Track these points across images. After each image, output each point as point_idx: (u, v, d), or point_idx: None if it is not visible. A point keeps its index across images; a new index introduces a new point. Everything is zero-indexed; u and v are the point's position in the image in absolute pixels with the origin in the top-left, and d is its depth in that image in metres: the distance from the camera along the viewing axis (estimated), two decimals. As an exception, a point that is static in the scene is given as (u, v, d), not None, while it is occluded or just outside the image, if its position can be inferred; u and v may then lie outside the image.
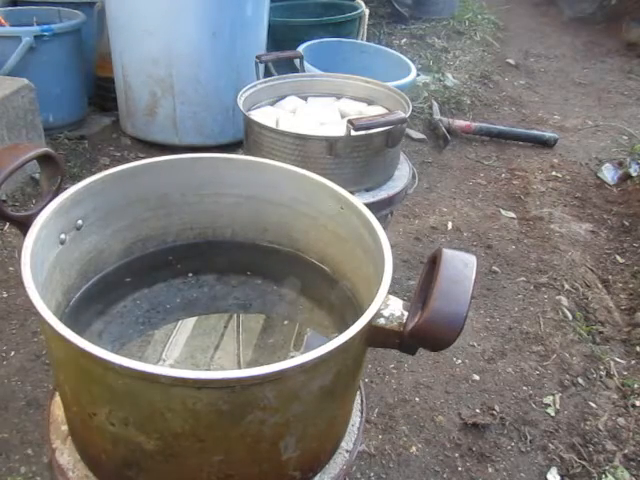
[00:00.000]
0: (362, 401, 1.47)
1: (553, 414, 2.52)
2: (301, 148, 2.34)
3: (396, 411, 2.48)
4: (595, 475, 2.30)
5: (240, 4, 3.80)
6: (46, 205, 1.29)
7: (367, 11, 5.31)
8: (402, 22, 7.13)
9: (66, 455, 1.29)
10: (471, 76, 5.98)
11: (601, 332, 3.01)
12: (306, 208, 1.56)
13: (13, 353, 2.56)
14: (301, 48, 4.03)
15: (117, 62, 4.05)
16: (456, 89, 5.60)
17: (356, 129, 2.24)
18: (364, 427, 1.45)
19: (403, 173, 2.67)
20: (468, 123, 4.94)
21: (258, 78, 2.84)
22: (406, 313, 1.12)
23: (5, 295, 2.83)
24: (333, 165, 2.35)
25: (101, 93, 4.58)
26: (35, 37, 3.81)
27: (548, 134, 4.97)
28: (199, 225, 1.67)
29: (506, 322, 2.98)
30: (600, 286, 3.36)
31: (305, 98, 2.83)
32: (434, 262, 1.12)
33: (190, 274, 1.64)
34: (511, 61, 6.85)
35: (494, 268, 3.37)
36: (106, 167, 3.81)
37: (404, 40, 6.69)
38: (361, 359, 1.21)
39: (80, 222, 1.40)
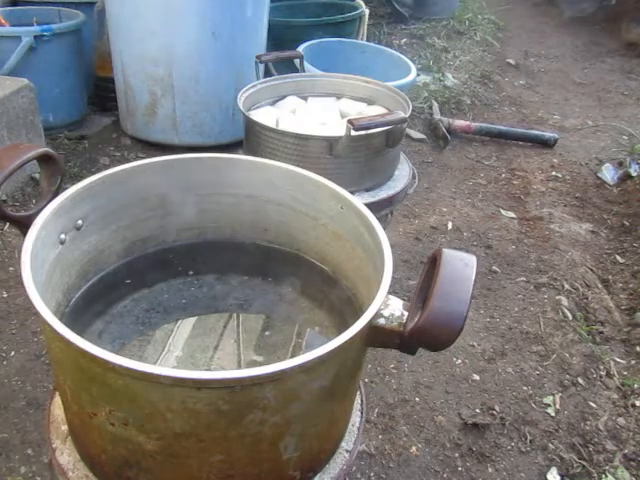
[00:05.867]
0: (362, 401, 1.48)
1: (553, 414, 2.52)
2: (301, 148, 2.34)
3: (396, 411, 2.48)
4: (595, 475, 2.30)
5: (240, 4, 3.80)
6: (46, 205, 1.29)
7: (367, 11, 5.31)
8: (402, 22, 7.14)
9: (66, 455, 1.29)
10: (471, 76, 5.98)
11: (601, 332, 3.01)
12: (306, 208, 1.56)
13: (13, 353, 2.56)
14: (301, 48, 4.03)
15: (117, 62, 4.05)
16: (456, 89, 5.59)
17: (356, 129, 2.24)
18: (364, 427, 1.45)
19: (403, 173, 2.67)
20: (468, 123, 4.95)
21: (258, 78, 2.84)
22: (406, 313, 1.12)
23: (5, 295, 2.83)
24: (333, 165, 2.35)
25: (101, 93, 4.58)
26: (35, 37, 3.81)
27: (548, 134, 4.97)
28: (199, 225, 1.67)
29: (506, 322, 2.98)
30: (600, 286, 3.36)
31: (305, 98, 2.83)
32: (434, 262, 1.12)
33: (190, 274, 1.64)
34: (511, 61, 6.85)
35: (494, 268, 3.37)
36: (106, 167, 3.81)
37: (404, 40, 6.70)
38: (361, 359, 1.21)
39: (80, 222, 1.40)
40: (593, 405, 2.58)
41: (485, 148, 4.88)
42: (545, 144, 4.92)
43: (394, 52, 4.34)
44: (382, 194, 2.51)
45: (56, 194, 1.35)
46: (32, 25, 4.07)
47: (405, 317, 1.12)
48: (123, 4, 3.79)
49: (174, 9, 3.69)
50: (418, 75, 5.17)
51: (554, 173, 4.51)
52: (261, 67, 3.04)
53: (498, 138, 4.98)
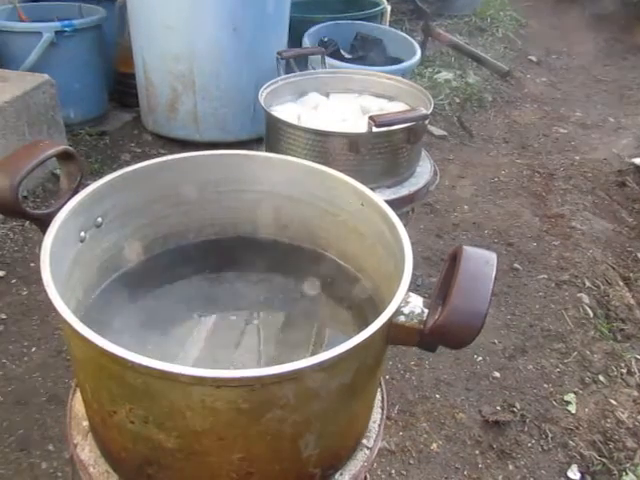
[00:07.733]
0: (383, 398, 1.47)
1: (574, 411, 2.51)
2: (322, 144, 2.33)
3: (417, 408, 2.48)
4: (615, 472, 2.29)
5: (261, 0, 3.80)
6: (65, 203, 1.29)
7: (389, 7, 5.29)
8: (424, 18, 7.12)
9: (87, 451, 1.29)
10: (493, 73, 5.96)
11: (622, 329, 3.00)
12: (327, 205, 1.56)
13: (34, 349, 2.57)
14: (310, 32, 4.09)
15: (138, 58, 4.07)
16: (478, 86, 5.58)
17: (377, 126, 2.24)
18: (385, 424, 1.45)
19: (425, 170, 2.66)
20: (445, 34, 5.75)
21: (279, 74, 2.84)
22: (426, 310, 1.12)
23: (26, 291, 2.84)
24: (354, 162, 2.34)
25: (122, 89, 4.60)
26: (56, 33, 3.83)
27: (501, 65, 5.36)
28: (220, 222, 1.67)
29: (527, 319, 2.97)
30: (621, 283, 3.34)
31: (327, 94, 2.83)
32: (454, 259, 1.11)
33: (210, 271, 1.64)
34: (533, 58, 6.83)
35: (515, 265, 3.36)
36: (127, 163, 3.82)
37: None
38: (381, 357, 1.21)
39: (100, 219, 1.40)
40: (614, 402, 2.57)
41: (507, 146, 4.87)
42: (498, 73, 5.31)
43: (400, 33, 4.46)
44: (403, 191, 2.50)
45: (76, 192, 1.35)
46: (53, 21, 4.08)
47: (425, 315, 1.11)
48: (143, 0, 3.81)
49: (195, 4, 3.70)
50: (439, 72, 5.20)
51: (575, 171, 4.49)
52: (282, 63, 3.04)
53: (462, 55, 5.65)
